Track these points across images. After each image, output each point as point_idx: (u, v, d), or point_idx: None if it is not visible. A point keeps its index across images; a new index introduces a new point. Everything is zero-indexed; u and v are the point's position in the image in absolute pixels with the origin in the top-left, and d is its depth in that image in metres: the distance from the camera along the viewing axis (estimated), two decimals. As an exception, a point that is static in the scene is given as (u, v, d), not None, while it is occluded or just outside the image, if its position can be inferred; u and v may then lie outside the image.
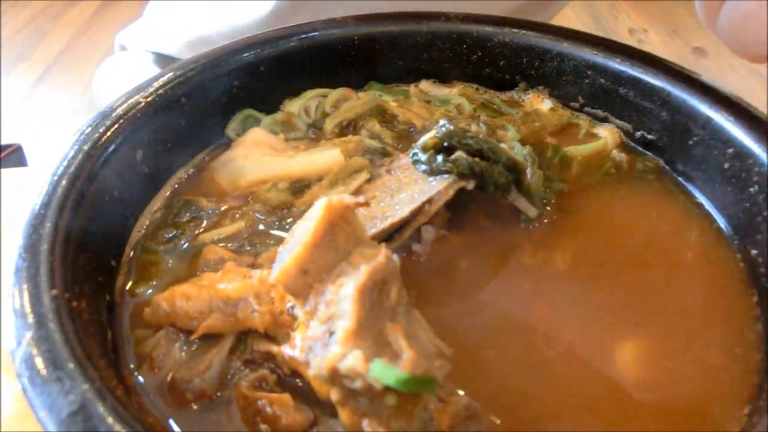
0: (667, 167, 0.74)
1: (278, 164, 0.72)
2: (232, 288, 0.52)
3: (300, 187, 0.70)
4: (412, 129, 0.78)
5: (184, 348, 0.52)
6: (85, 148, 0.58)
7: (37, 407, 0.37)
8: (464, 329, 0.54)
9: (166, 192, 0.69)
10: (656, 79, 0.72)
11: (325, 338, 0.44)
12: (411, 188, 0.61)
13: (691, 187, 0.71)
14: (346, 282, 0.45)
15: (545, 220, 0.67)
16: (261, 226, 0.65)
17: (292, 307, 0.50)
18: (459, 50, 0.82)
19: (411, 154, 0.63)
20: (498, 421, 0.48)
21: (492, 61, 0.83)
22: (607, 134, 0.78)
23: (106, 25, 4.27)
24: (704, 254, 0.65)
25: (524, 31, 0.79)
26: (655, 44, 4.81)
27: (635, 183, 0.73)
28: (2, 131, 2.87)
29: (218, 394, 0.50)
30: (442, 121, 0.63)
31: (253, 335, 0.52)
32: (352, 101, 0.81)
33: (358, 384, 0.42)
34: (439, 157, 0.60)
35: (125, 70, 1.69)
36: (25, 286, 0.44)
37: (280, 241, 0.53)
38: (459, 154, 0.60)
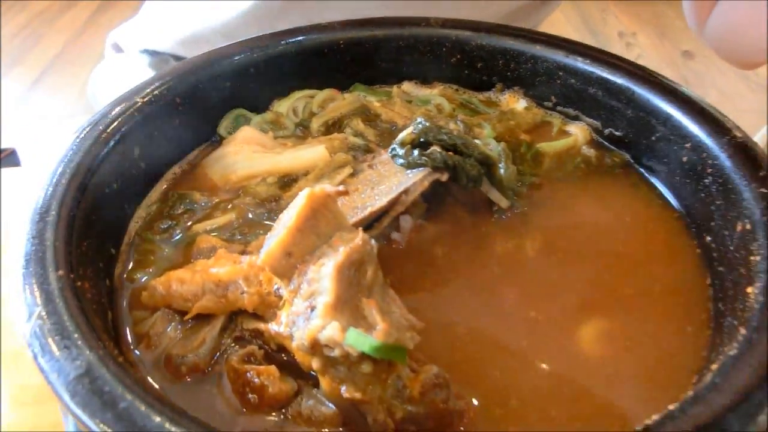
0: (633, 162, 0.79)
1: (267, 160, 0.76)
2: (223, 272, 0.57)
3: (287, 181, 0.74)
4: (394, 127, 0.83)
5: (179, 327, 0.57)
6: (86, 144, 0.62)
7: (47, 371, 0.42)
8: (436, 308, 0.59)
9: (161, 186, 0.74)
10: (622, 79, 0.77)
11: (307, 313, 0.48)
12: (390, 180, 0.66)
13: (654, 180, 0.76)
14: (326, 262, 0.50)
15: (517, 211, 0.71)
16: (251, 216, 0.70)
17: (278, 289, 0.54)
18: (439, 53, 0.87)
19: (390, 149, 0.68)
20: (465, 389, 0.52)
21: (470, 64, 0.87)
22: (577, 131, 0.83)
23: (100, 29, 4.30)
24: (663, 241, 0.70)
25: (499, 35, 0.84)
26: (644, 47, 4.87)
27: (603, 177, 0.78)
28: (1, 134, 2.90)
29: (210, 368, 0.54)
30: (418, 119, 0.68)
31: (242, 315, 0.57)
32: (338, 101, 0.85)
33: (336, 352, 0.46)
34: (416, 152, 0.65)
35: (120, 72, 1.70)
36: (33, 268, 0.49)
37: (268, 230, 0.57)
38: (434, 148, 0.65)
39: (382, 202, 0.62)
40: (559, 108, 0.85)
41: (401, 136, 0.67)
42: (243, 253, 0.62)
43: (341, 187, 0.54)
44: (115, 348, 0.48)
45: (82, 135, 0.62)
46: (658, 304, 0.63)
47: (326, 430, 0.50)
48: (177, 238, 0.68)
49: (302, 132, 0.83)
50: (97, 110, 1.65)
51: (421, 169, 0.64)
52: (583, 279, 0.65)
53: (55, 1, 4.79)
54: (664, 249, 0.69)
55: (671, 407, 0.42)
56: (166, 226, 0.69)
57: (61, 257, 0.51)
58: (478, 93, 0.89)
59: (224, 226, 0.69)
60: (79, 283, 0.50)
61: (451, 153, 0.65)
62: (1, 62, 3.92)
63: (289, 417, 0.51)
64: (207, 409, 0.51)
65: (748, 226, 0.59)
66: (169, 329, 0.57)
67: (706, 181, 0.67)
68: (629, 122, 0.78)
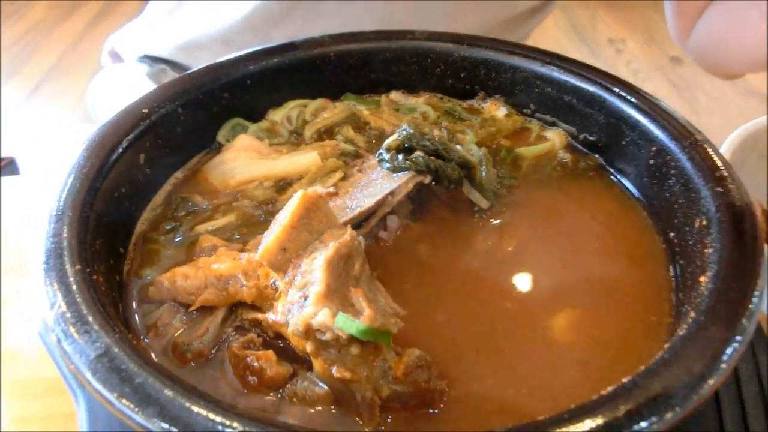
0: (606, 164, 0.84)
1: (264, 166, 0.81)
2: (224, 267, 0.62)
3: (283, 185, 0.79)
4: (382, 134, 0.88)
5: (184, 318, 0.62)
6: (97, 151, 0.67)
7: (70, 353, 0.47)
8: (419, 298, 0.64)
9: (165, 190, 0.78)
10: (594, 87, 0.82)
11: (301, 302, 0.54)
12: (377, 183, 0.71)
13: (625, 181, 0.82)
14: (318, 256, 0.55)
15: (496, 211, 0.76)
16: (249, 218, 0.75)
17: (274, 282, 0.60)
18: (424, 64, 0.92)
19: (377, 155, 0.73)
20: (445, 370, 0.57)
21: (454, 74, 0.93)
22: (554, 137, 0.88)
23: (97, 39, 4.35)
24: (632, 238, 0.75)
25: (480, 48, 0.90)
26: (633, 53, 4.95)
27: (578, 179, 0.84)
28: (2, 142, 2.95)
29: (213, 354, 0.60)
30: (403, 126, 0.73)
31: (242, 306, 0.62)
32: (330, 110, 0.90)
33: (327, 336, 0.51)
34: (400, 156, 0.70)
35: (119, 82, 1.74)
36: (53, 263, 0.54)
37: (265, 230, 0.62)
38: (417, 153, 0.70)
39: (370, 203, 0.68)
40: (537, 115, 0.91)
41: (387, 142, 0.73)
42: (242, 250, 0.67)
43: (331, 189, 0.60)
44: (129, 334, 0.53)
45: (93, 143, 0.68)
46: (626, 295, 0.68)
47: (319, 407, 0.55)
48: (180, 238, 0.73)
49: (296, 139, 0.88)
50: (97, 119, 1.70)
51: (405, 172, 0.70)
52: (556, 273, 0.71)
53: (53, 10, 4.84)
54: (633, 245, 0.75)
55: (624, 380, 0.48)
56: (170, 227, 0.74)
57: (78, 254, 0.56)
58: (462, 101, 0.94)
59: (224, 226, 0.74)
60: (94, 277, 0.55)
61: (433, 157, 0.70)
62: (0, 71, 3.96)
63: (286, 397, 0.56)
64: (211, 391, 0.55)
65: (704, 222, 0.64)
66: (175, 320, 0.62)
67: (670, 181, 0.73)
68: (601, 128, 0.83)
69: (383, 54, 0.92)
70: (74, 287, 0.52)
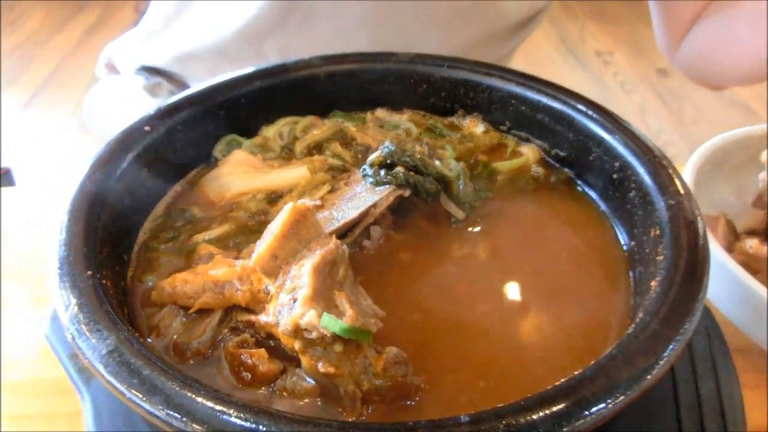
0: (575, 178, 0.90)
1: (257, 179, 0.86)
2: (220, 273, 0.67)
3: (274, 197, 0.84)
4: (368, 149, 0.95)
5: (184, 320, 0.67)
6: (104, 166, 0.73)
7: (84, 349, 0.53)
8: (399, 301, 0.70)
9: (165, 202, 0.83)
10: (563, 106, 0.88)
11: (290, 304, 0.60)
12: (362, 196, 0.77)
13: (592, 193, 0.87)
14: (305, 263, 0.61)
15: (472, 221, 0.83)
16: (243, 227, 0.80)
17: (267, 287, 0.66)
18: (407, 84, 0.98)
19: (361, 170, 0.80)
20: (421, 366, 0.63)
21: (435, 93, 0.98)
22: (528, 152, 0.94)
23: (93, 50, 4.40)
24: (597, 246, 0.81)
25: (460, 69, 0.96)
26: (621, 65, 5.04)
27: (550, 191, 0.89)
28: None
29: (210, 352, 0.65)
30: (386, 143, 0.80)
31: (236, 309, 0.67)
32: (319, 127, 0.95)
33: (314, 335, 0.57)
34: (382, 172, 0.76)
35: (116, 95, 1.78)
36: (67, 269, 0.60)
37: (258, 239, 0.68)
38: (398, 169, 0.77)
39: (354, 214, 0.74)
40: (512, 131, 0.96)
41: (371, 158, 0.79)
42: (237, 258, 0.73)
43: (318, 202, 0.66)
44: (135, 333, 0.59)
45: (100, 159, 0.73)
46: (590, 299, 0.74)
47: (307, 400, 0.61)
48: (179, 246, 0.78)
49: (287, 154, 0.93)
50: (94, 130, 1.74)
51: (387, 186, 0.76)
52: (527, 278, 0.76)
53: (48, 21, 4.90)
54: (598, 252, 0.80)
55: (576, 373, 0.54)
56: (169, 236, 0.79)
57: (88, 261, 0.62)
58: (443, 118, 1.00)
59: (220, 236, 0.79)
60: (103, 282, 0.61)
61: (412, 173, 0.77)
62: (-2, 82, 4.00)
63: (276, 391, 0.61)
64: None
65: (658, 232, 0.71)
66: (175, 322, 0.67)
67: (630, 194, 0.78)
68: (571, 144, 0.89)
69: (369, 74, 0.98)
70: (86, 291, 0.58)
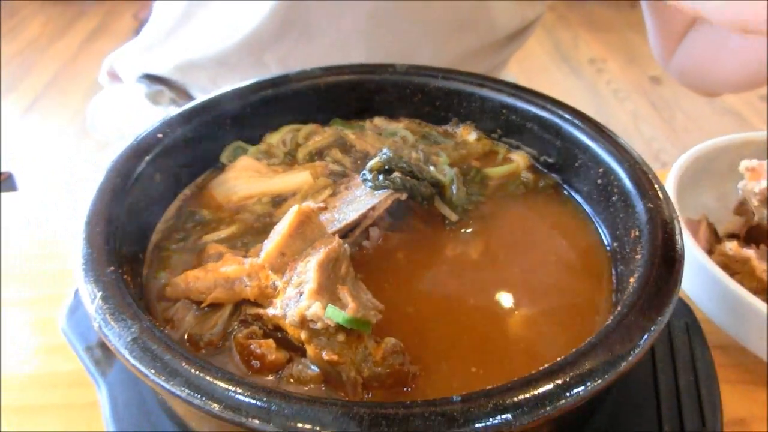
0: (562, 183, 0.95)
1: (262, 184, 0.90)
2: (230, 270, 0.72)
3: (278, 200, 0.89)
4: (366, 155, 1.00)
5: (196, 313, 0.72)
6: (121, 171, 0.78)
7: (110, 337, 0.58)
8: (396, 296, 0.75)
9: (176, 205, 0.88)
10: (551, 116, 0.94)
11: (297, 297, 0.65)
12: (361, 199, 0.82)
13: (578, 198, 0.93)
14: (311, 259, 0.66)
15: (465, 224, 0.88)
16: (249, 229, 0.85)
17: (274, 282, 0.71)
18: (404, 94, 1.03)
19: (361, 175, 0.85)
20: (417, 355, 0.68)
21: (430, 102, 1.03)
22: (518, 159, 0.99)
23: (92, 57, 4.46)
24: (581, 246, 0.86)
25: (453, 80, 1.01)
26: (614, 73, 5.11)
27: (538, 195, 0.95)
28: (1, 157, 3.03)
29: (222, 343, 0.70)
30: (384, 150, 0.85)
31: (246, 303, 0.71)
32: (320, 134, 1.00)
33: (319, 325, 0.63)
34: (381, 177, 0.82)
35: (118, 102, 1.81)
36: (91, 265, 0.65)
37: (264, 239, 0.73)
38: (395, 174, 0.82)
39: (354, 216, 0.79)
40: (503, 139, 1.02)
41: (369, 164, 0.84)
42: (245, 256, 0.78)
43: (322, 204, 0.71)
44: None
45: (118, 164, 0.79)
46: (575, 296, 0.79)
47: (312, 386, 0.66)
48: (190, 246, 0.83)
49: (290, 160, 0.98)
50: (98, 137, 1.78)
51: (385, 190, 0.82)
52: (516, 275, 0.81)
53: (47, 29, 4.94)
54: (583, 253, 0.86)
55: (558, 359, 0.59)
56: (180, 237, 0.84)
57: (109, 258, 0.67)
58: (438, 126, 1.05)
59: (228, 236, 0.84)
60: (124, 277, 0.66)
61: (408, 177, 0.82)
62: (-1, 89, 4.04)
63: (284, 378, 0.66)
64: (221, 372, 0.66)
65: (637, 233, 0.76)
66: (188, 315, 0.72)
67: (613, 198, 0.84)
68: (558, 151, 0.95)
69: (368, 85, 1.03)
70: (109, 284, 0.63)
